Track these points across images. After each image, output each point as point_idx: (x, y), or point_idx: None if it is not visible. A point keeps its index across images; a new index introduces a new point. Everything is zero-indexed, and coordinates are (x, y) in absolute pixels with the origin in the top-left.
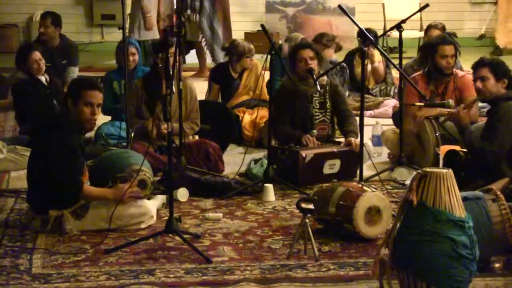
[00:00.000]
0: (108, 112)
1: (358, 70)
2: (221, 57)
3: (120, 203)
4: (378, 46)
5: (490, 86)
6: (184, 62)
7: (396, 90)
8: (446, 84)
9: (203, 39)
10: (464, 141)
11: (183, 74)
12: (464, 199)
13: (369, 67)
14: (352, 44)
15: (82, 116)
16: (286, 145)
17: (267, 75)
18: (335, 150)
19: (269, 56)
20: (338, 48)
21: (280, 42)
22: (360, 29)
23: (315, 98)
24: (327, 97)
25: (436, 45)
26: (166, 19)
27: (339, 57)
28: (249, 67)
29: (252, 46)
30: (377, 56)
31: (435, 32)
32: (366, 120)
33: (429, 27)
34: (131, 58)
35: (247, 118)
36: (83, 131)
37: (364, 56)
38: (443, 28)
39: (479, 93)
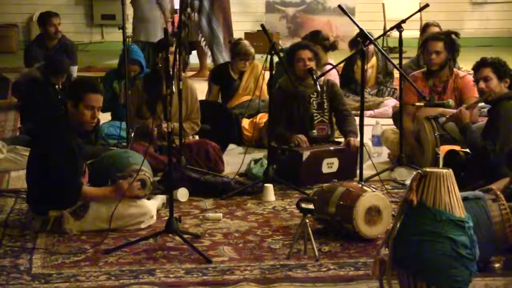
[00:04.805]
0: (105, 109)
1: (359, 72)
2: (221, 58)
3: (120, 201)
4: (378, 47)
5: (493, 86)
6: (187, 63)
7: (391, 91)
8: (445, 83)
9: (202, 39)
10: (466, 141)
11: (183, 74)
12: (464, 199)
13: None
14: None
15: (82, 118)
16: (285, 145)
17: (267, 75)
18: (331, 148)
19: (269, 56)
20: (334, 47)
21: (280, 43)
22: (360, 29)
23: (312, 99)
24: (325, 97)
25: (425, 41)
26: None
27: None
28: (244, 69)
29: (251, 51)
30: (370, 62)
31: (433, 29)
32: (366, 120)
33: (426, 25)
34: (132, 74)
35: (246, 118)
36: (82, 133)
37: (364, 56)
38: (438, 27)
39: (482, 94)
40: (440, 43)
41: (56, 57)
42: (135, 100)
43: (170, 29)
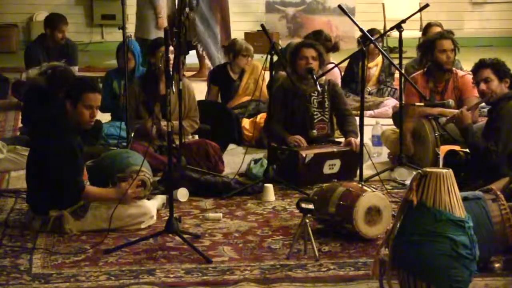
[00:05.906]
0: (105, 109)
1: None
2: (217, 59)
3: (121, 202)
4: (379, 47)
5: (494, 87)
6: (184, 63)
7: (392, 91)
8: (446, 82)
9: (196, 41)
10: (467, 141)
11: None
12: (464, 199)
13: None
14: (352, 43)
15: (81, 118)
16: (282, 145)
17: (267, 75)
18: (335, 150)
19: (269, 56)
20: (336, 48)
21: (280, 42)
22: (360, 29)
23: (313, 98)
24: (326, 96)
25: (434, 40)
26: (167, 19)
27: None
28: (245, 67)
29: (250, 46)
30: (375, 60)
31: (436, 29)
32: (366, 120)
33: (429, 25)
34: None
35: (247, 118)
36: (80, 131)
37: (364, 56)
38: (440, 27)
39: (483, 95)
40: (450, 41)
41: (61, 68)
42: (132, 101)
43: (161, 26)
